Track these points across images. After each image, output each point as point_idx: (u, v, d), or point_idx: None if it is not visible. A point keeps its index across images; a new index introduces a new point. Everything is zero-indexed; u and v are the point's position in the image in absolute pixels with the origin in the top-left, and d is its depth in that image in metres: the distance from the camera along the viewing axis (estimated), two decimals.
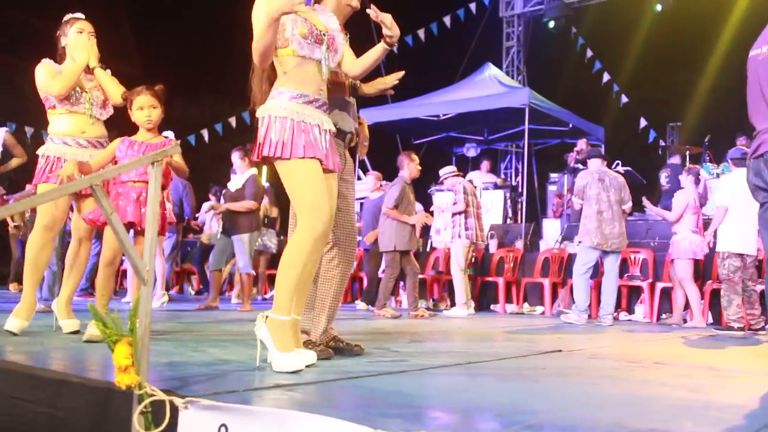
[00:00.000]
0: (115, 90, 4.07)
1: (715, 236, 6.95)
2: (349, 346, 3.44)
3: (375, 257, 8.67)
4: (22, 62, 4.04)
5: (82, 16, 4.17)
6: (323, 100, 3.05)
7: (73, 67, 3.98)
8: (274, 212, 9.85)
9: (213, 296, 7.42)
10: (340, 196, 3.48)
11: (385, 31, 3.10)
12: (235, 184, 7.46)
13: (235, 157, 7.45)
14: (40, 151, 4.09)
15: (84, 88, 4.10)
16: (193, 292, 11.19)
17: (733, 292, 6.40)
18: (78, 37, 4.06)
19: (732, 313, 6.37)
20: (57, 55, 4.14)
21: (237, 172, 7.53)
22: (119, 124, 4.20)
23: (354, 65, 3.29)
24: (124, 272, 8.85)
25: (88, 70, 4.10)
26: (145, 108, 3.87)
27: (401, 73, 3.40)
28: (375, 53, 3.24)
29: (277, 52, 2.94)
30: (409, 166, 7.64)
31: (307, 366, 2.80)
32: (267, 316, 2.81)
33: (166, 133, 4.08)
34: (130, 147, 3.84)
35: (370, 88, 3.47)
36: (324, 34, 3.00)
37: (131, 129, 3.96)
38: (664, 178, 10.61)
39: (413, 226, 7.66)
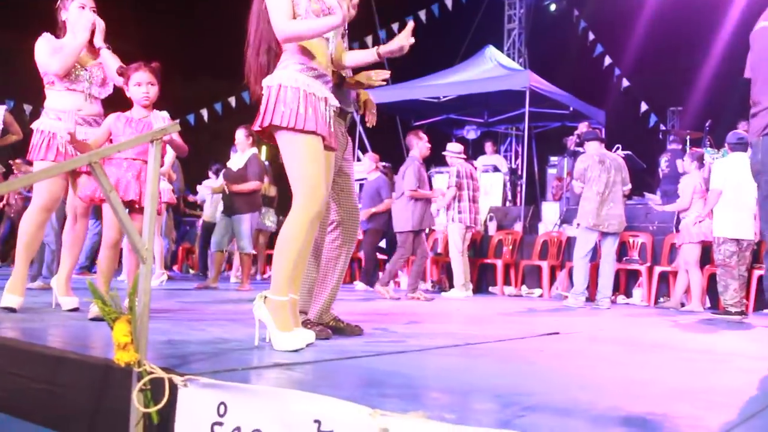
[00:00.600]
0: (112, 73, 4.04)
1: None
2: (349, 326, 3.45)
3: (373, 236, 8.68)
4: (21, 38, 3.99)
5: None
6: (330, 77, 3.03)
7: (74, 45, 3.94)
8: (273, 191, 9.85)
9: (213, 276, 7.44)
10: (341, 175, 3.46)
11: (392, 47, 3.05)
12: (236, 163, 7.42)
13: (240, 134, 7.39)
14: (34, 125, 4.05)
15: (84, 66, 4.06)
16: (192, 271, 11.21)
17: (730, 277, 6.40)
18: (80, 13, 4.01)
19: (729, 297, 6.38)
20: (57, 29, 4.09)
21: (238, 150, 7.49)
22: (116, 103, 4.17)
23: (345, 58, 3.23)
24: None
25: (92, 47, 4.07)
26: (143, 84, 3.84)
27: (387, 74, 3.36)
28: (365, 57, 3.20)
29: None
30: (419, 145, 7.59)
31: (306, 345, 2.81)
32: (266, 297, 2.81)
33: (162, 114, 4.03)
34: (128, 124, 3.81)
35: (352, 81, 3.43)
36: (332, 12, 2.95)
37: (127, 107, 3.93)
38: (664, 162, 10.60)
39: (429, 205, 7.62)
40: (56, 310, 4.00)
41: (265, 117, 2.85)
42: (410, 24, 3.04)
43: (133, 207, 3.77)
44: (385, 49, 3.10)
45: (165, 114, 4.12)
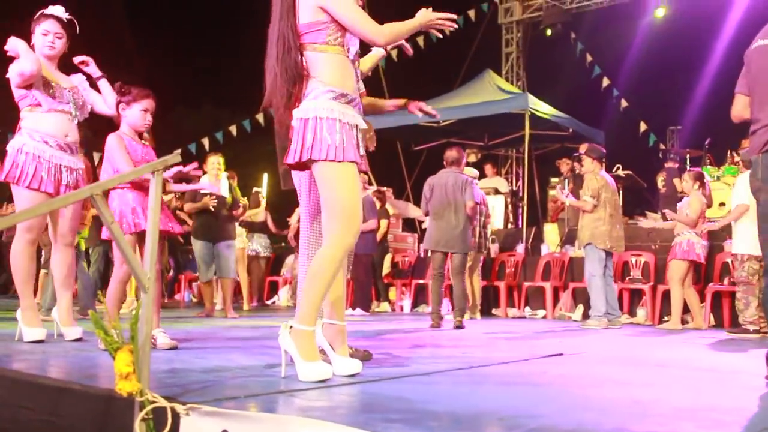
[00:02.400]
0: (111, 101, 4.04)
1: (731, 235, 6.87)
2: (358, 352, 3.39)
3: (365, 261, 8.67)
4: None
5: (55, 13, 3.97)
6: (359, 98, 2.95)
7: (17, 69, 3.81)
8: (261, 216, 9.78)
9: (208, 308, 7.44)
10: None
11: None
12: (222, 189, 7.37)
13: (220, 160, 7.44)
14: (14, 145, 3.88)
15: (63, 86, 4.00)
16: (195, 300, 11.18)
17: (752, 294, 6.36)
18: (42, 39, 3.93)
19: (749, 315, 6.34)
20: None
21: (212, 175, 7.38)
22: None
23: (362, 64, 3.23)
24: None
25: (62, 73, 4.06)
26: (149, 112, 3.88)
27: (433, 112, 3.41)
28: (375, 56, 3.22)
29: (324, 48, 2.82)
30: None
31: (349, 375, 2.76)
32: (291, 327, 2.74)
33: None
34: (139, 146, 3.85)
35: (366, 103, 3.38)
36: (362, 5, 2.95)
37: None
38: (660, 181, 10.60)
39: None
40: (59, 340, 3.99)
41: (302, 153, 2.77)
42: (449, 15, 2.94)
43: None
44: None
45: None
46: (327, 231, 2.79)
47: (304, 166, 2.91)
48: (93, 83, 4.14)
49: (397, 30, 2.84)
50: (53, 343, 3.89)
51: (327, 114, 2.76)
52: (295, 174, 3.38)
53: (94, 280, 7.76)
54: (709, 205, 7.79)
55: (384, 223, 9.72)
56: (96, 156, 8.59)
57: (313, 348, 2.72)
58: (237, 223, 8.14)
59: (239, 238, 8.58)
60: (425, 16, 2.87)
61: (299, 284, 3.33)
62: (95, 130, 4.23)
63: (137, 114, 3.87)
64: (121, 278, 3.80)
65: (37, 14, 3.99)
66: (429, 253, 9.03)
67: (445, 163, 7.18)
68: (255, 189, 10.01)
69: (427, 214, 7.16)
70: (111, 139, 3.85)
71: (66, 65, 4.13)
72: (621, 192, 7.92)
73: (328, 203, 2.79)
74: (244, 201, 7.99)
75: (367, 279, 9.01)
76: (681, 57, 14.17)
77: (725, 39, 13.76)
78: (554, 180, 12.20)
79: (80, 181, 4.05)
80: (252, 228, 9.57)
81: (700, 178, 7.56)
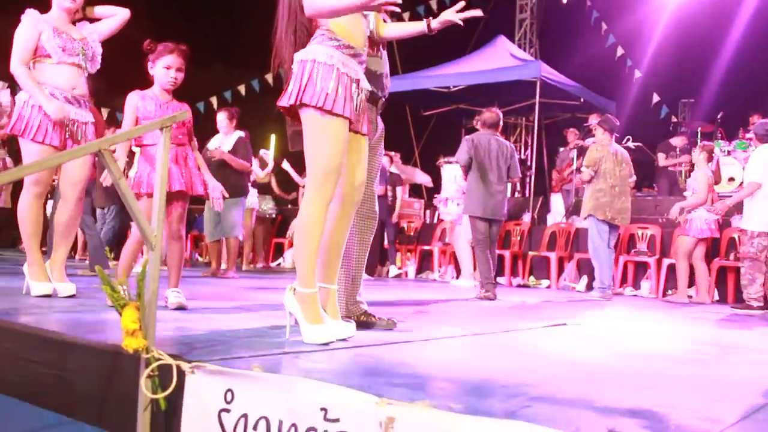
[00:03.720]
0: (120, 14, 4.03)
1: (740, 211, 6.83)
2: (382, 320, 3.31)
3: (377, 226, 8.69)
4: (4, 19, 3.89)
5: None
6: (365, 56, 2.88)
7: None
8: (266, 178, 9.78)
9: (213, 268, 7.43)
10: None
11: (445, 18, 3.00)
12: (221, 144, 7.23)
13: (222, 117, 7.28)
14: (21, 97, 3.88)
15: (74, 37, 3.95)
16: (203, 260, 11.23)
17: (757, 271, 6.35)
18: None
19: (753, 291, 6.34)
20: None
21: (221, 132, 7.32)
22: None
23: (384, 30, 3.13)
24: None
25: (74, 23, 4.01)
26: (173, 69, 3.76)
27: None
28: (412, 29, 3.11)
29: None
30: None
31: (341, 339, 2.73)
32: (294, 289, 2.72)
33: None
34: (158, 107, 3.74)
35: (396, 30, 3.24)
36: None
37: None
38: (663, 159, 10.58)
39: None
40: (53, 296, 3.93)
41: (295, 94, 2.69)
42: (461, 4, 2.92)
43: (177, 195, 3.74)
44: (438, 22, 3.05)
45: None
46: (306, 188, 2.73)
47: (295, 113, 2.80)
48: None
49: (329, 4, 2.68)
50: (56, 298, 3.87)
51: (326, 59, 2.69)
52: None
53: (108, 239, 7.81)
54: (717, 182, 7.76)
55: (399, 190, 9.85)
56: (105, 111, 8.57)
57: (316, 310, 2.70)
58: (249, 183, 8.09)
59: (250, 198, 8.50)
60: None
61: None
62: (109, 83, 4.17)
63: (160, 72, 3.76)
64: (138, 237, 3.76)
65: None
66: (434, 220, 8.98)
67: (482, 124, 6.83)
68: (262, 150, 9.97)
69: (468, 169, 6.71)
70: (128, 97, 3.84)
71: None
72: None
73: (308, 153, 2.72)
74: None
75: (376, 245, 9.01)
76: (697, 30, 13.95)
77: (742, 12, 13.56)
78: (562, 149, 12.15)
79: (90, 134, 4.03)
80: (259, 189, 9.54)
81: (709, 152, 7.52)
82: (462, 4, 2.98)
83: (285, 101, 2.76)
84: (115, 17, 4.12)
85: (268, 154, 10.02)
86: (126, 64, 4.46)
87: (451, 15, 2.99)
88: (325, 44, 2.72)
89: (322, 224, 2.71)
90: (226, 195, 4.02)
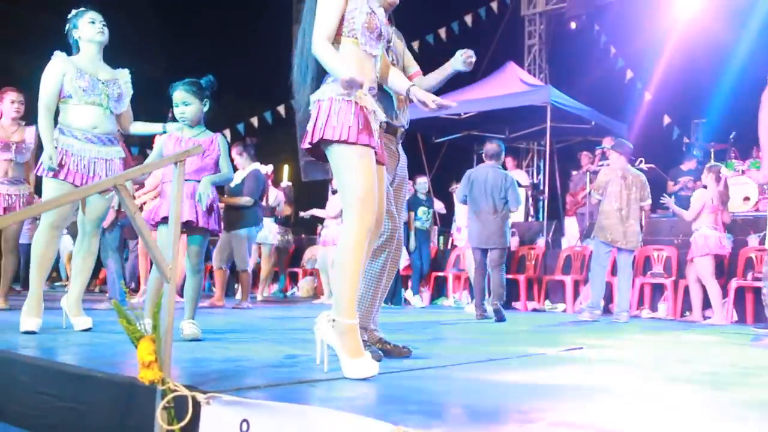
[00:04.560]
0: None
1: (756, 230, 6.82)
2: (396, 348, 3.29)
3: None
4: (22, 57, 3.98)
5: (88, 8, 4.09)
6: (376, 89, 2.93)
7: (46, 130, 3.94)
8: (287, 210, 9.85)
9: (218, 295, 7.41)
10: (394, 190, 3.40)
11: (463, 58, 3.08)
12: (235, 179, 7.34)
13: (234, 153, 7.32)
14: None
15: (99, 78, 4.04)
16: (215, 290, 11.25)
17: None
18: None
19: None
20: (70, 48, 4.08)
21: (238, 168, 7.42)
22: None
23: (388, 77, 3.18)
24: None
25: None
26: (179, 105, 3.87)
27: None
28: (398, 86, 3.17)
29: (338, 39, 2.82)
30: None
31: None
32: (333, 320, 2.65)
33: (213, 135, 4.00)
34: (177, 143, 3.83)
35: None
36: (382, 32, 2.90)
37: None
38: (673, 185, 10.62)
39: None
40: (68, 330, 3.96)
41: (315, 132, 2.73)
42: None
43: (190, 226, 3.80)
44: (416, 97, 3.12)
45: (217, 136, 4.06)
46: (345, 218, 2.73)
47: (319, 155, 2.85)
48: None
49: (329, 60, 2.73)
50: (71, 332, 3.89)
51: (343, 96, 2.73)
52: None
53: (131, 272, 7.88)
54: (724, 202, 7.77)
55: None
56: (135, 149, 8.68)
57: (358, 342, 2.63)
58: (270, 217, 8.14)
59: (264, 231, 8.54)
60: (348, 77, 2.63)
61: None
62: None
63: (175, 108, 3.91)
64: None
65: (74, 11, 4.08)
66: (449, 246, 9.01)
67: (485, 156, 7.34)
68: (288, 183, 10.09)
69: (463, 203, 7.33)
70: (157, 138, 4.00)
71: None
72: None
73: (342, 186, 2.73)
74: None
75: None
76: (706, 50, 13.96)
77: (751, 31, 13.56)
78: (576, 173, 12.14)
79: (116, 170, 4.08)
80: (282, 221, 9.63)
81: (716, 173, 7.61)
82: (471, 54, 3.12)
83: (307, 141, 2.79)
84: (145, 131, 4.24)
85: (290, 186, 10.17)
86: (142, 100, 4.54)
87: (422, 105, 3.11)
88: (339, 82, 2.74)
89: (363, 253, 2.69)
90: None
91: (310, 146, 2.80)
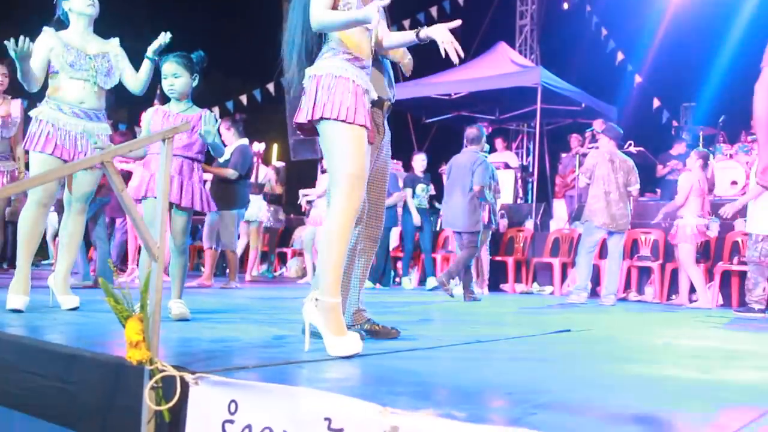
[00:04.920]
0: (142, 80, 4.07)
1: (743, 215, 6.88)
2: (385, 329, 3.29)
3: (384, 234, 8.66)
4: (12, 30, 3.88)
5: None
6: (370, 68, 2.92)
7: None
8: (279, 189, 9.82)
9: (207, 274, 7.37)
10: (373, 168, 3.37)
11: (433, 35, 2.94)
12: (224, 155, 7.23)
13: (222, 128, 7.20)
14: (33, 113, 3.93)
15: (88, 53, 3.97)
16: (204, 270, 11.24)
17: (761, 275, 6.35)
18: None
19: (756, 295, 6.33)
20: (56, 21, 4.01)
21: (225, 143, 7.35)
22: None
23: (385, 40, 3.13)
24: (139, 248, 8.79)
25: (95, 41, 4.04)
26: (169, 77, 3.81)
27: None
28: (406, 38, 3.08)
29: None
30: (483, 141, 7.37)
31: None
32: (317, 299, 2.67)
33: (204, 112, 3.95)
34: (165, 118, 3.79)
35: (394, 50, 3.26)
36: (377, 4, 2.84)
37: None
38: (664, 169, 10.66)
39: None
40: (55, 308, 3.93)
41: (315, 109, 2.71)
42: (457, 22, 2.88)
43: (179, 205, 3.77)
44: (426, 33, 2.97)
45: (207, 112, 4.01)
46: (333, 197, 2.71)
47: (309, 129, 2.84)
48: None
49: (335, 19, 2.71)
50: (58, 311, 3.87)
51: (341, 73, 2.72)
52: None
53: (118, 251, 7.85)
54: (711, 189, 7.84)
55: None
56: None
57: (341, 321, 2.66)
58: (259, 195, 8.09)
59: (251, 209, 8.49)
60: (371, 11, 2.67)
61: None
62: (118, 98, 4.18)
63: (164, 82, 3.85)
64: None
65: None
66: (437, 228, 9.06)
67: (466, 141, 7.37)
68: (282, 163, 10.06)
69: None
70: (146, 112, 3.94)
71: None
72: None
73: (333, 165, 2.72)
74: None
75: (384, 252, 8.98)
76: (696, 33, 13.97)
77: (742, 16, 13.57)
78: (565, 155, 12.17)
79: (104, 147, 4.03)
80: (271, 200, 9.60)
81: (704, 158, 7.68)
82: (458, 22, 2.95)
83: (303, 117, 2.77)
84: (131, 75, 4.15)
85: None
86: None
87: (442, 33, 2.92)
88: (336, 58, 2.77)
89: (350, 233, 2.70)
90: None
91: (305, 122, 2.78)
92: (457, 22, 2.86)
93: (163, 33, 3.98)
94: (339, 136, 2.69)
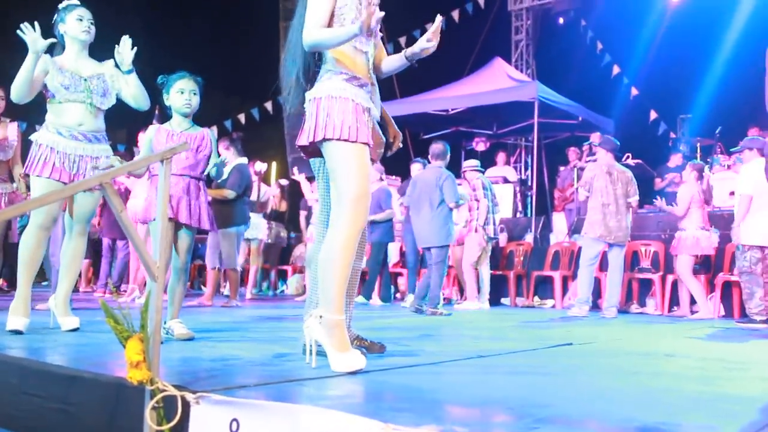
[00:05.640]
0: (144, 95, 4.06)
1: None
2: (373, 344, 3.32)
3: (377, 249, 8.65)
4: (6, 53, 3.89)
5: (79, 3, 4.03)
6: (370, 86, 2.94)
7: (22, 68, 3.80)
8: (283, 207, 9.84)
9: (208, 294, 7.35)
10: None
11: (414, 49, 2.96)
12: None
13: (221, 148, 7.17)
14: (33, 137, 3.94)
15: (82, 75, 3.98)
16: (205, 289, 11.23)
17: (755, 284, 6.35)
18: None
19: (754, 305, 6.33)
20: (55, 47, 4.00)
21: (225, 163, 7.36)
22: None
23: (382, 65, 3.16)
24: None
25: (88, 62, 4.04)
26: (186, 92, 3.82)
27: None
28: (397, 63, 3.10)
29: None
30: (447, 157, 7.42)
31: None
32: (321, 316, 2.68)
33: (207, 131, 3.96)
34: (169, 138, 3.78)
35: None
36: (373, 29, 2.89)
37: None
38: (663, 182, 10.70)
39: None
40: (56, 330, 3.92)
41: (316, 131, 2.75)
42: (438, 20, 2.90)
43: (188, 226, 3.79)
44: (410, 50, 3.00)
45: (208, 131, 4.02)
46: (337, 215, 2.73)
47: (311, 152, 2.89)
48: None
49: (326, 36, 2.76)
50: (57, 332, 3.85)
51: (340, 93, 2.76)
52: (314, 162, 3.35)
53: (120, 272, 7.84)
54: (707, 201, 7.87)
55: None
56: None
57: (345, 337, 2.67)
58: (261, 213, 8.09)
59: (252, 229, 8.49)
60: (358, 28, 2.70)
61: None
62: (109, 117, 4.16)
63: (175, 97, 3.83)
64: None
65: (64, 3, 4.01)
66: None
67: (429, 157, 7.47)
68: (286, 181, 10.10)
69: (408, 206, 7.56)
70: (147, 131, 3.95)
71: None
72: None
73: (338, 184, 2.74)
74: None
75: (377, 268, 8.97)
76: (692, 45, 14.04)
77: (737, 27, 13.65)
78: (563, 169, 12.19)
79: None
80: (275, 218, 9.61)
81: (698, 170, 7.72)
82: (438, 21, 2.95)
83: (305, 140, 2.81)
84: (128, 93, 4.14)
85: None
86: None
87: (422, 42, 2.96)
88: (334, 79, 2.80)
89: (353, 251, 2.72)
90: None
91: (308, 145, 2.82)
92: (438, 21, 2.86)
93: (124, 38, 3.97)
94: (342, 155, 2.73)
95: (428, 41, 2.92)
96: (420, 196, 7.28)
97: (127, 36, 3.99)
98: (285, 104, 3.08)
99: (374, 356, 3.14)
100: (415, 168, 8.37)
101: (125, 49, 3.98)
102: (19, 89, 3.82)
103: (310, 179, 8.90)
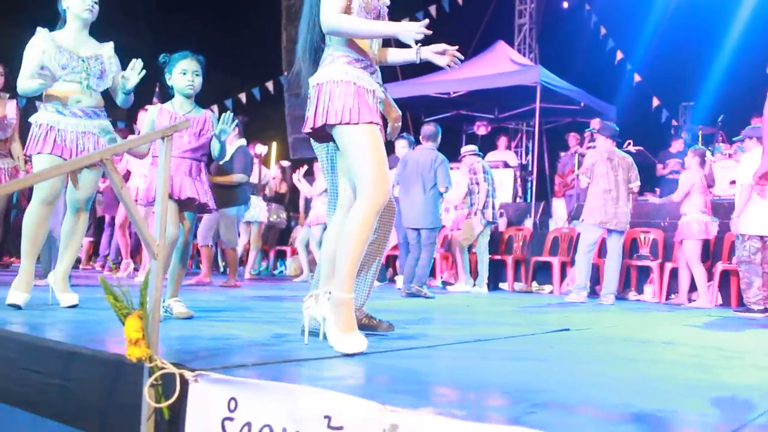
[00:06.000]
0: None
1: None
2: (381, 323, 3.33)
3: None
4: (6, 29, 3.87)
5: None
6: (375, 67, 2.93)
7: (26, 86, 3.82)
8: (284, 188, 9.84)
9: (205, 272, 7.35)
10: None
11: (430, 57, 2.97)
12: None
13: (232, 134, 7.20)
14: (33, 119, 3.94)
15: (80, 55, 3.95)
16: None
17: (754, 274, 6.35)
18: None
19: (752, 295, 6.34)
20: (58, 20, 3.98)
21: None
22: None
23: (387, 55, 3.14)
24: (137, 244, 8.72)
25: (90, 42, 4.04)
26: (189, 73, 3.79)
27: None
28: (405, 56, 3.09)
29: None
30: (438, 139, 7.41)
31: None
32: (329, 292, 2.70)
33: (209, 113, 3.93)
34: (172, 120, 3.75)
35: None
36: (381, 13, 2.91)
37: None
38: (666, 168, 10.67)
39: None
40: (54, 306, 3.92)
41: (318, 117, 2.76)
42: (424, 22, 2.85)
43: (190, 205, 3.78)
44: (425, 54, 2.98)
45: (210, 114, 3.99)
46: (357, 194, 2.75)
47: (322, 136, 2.90)
48: None
49: (354, 26, 2.75)
50: (57, 308, 3.85)
51: (341, 77, 2.76)
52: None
53: (116, 247, 7.84)
54: (710, 185, 7.86)
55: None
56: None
57: (351, 317, 2.68)
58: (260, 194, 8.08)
59: (252, 210, 8.47)
60: (404, 27, 2.75)
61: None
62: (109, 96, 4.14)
63: (177, 78, 3.80)
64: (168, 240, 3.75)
65: None
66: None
67: (421, 138, 7.46)
68: (287, 162, 10.09)
69: (396, 184, 7.41)
70: (148, 111, 3.94)
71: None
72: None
73: (354, 166, 2.75)
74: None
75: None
76: (696, 32, 13.98)
77: (742, 16, 13.58)
78: (564, 154, 12.17)
79: (105, 145, 4.01)
80: (274, 200, 9.61)
81: (701, 155, 7.70)
82: (426, 21, 2.94)
83: (308, 126, 2.83)
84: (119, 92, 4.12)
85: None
86: None
87: (436, 58, 2.98)
88: (336, 63, 2.80)
89: (370, 230, 2.72)
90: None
91: (311, 131, 2.83)
92: (425, 22, 2.83)
93: (137, 61, 3.94)
94: (350, 138, 2.74)
95: (437, 53, 2.95)
96: (411, 177, 7.22)
97: (140, 60, 3.96)
98: (287, 83, 3.09)
99: (373, 339, 3.15)
100: (400, 145, 8.13)
101: (134, 72, 3.95)
102: (26, 91, 3.85)
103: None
